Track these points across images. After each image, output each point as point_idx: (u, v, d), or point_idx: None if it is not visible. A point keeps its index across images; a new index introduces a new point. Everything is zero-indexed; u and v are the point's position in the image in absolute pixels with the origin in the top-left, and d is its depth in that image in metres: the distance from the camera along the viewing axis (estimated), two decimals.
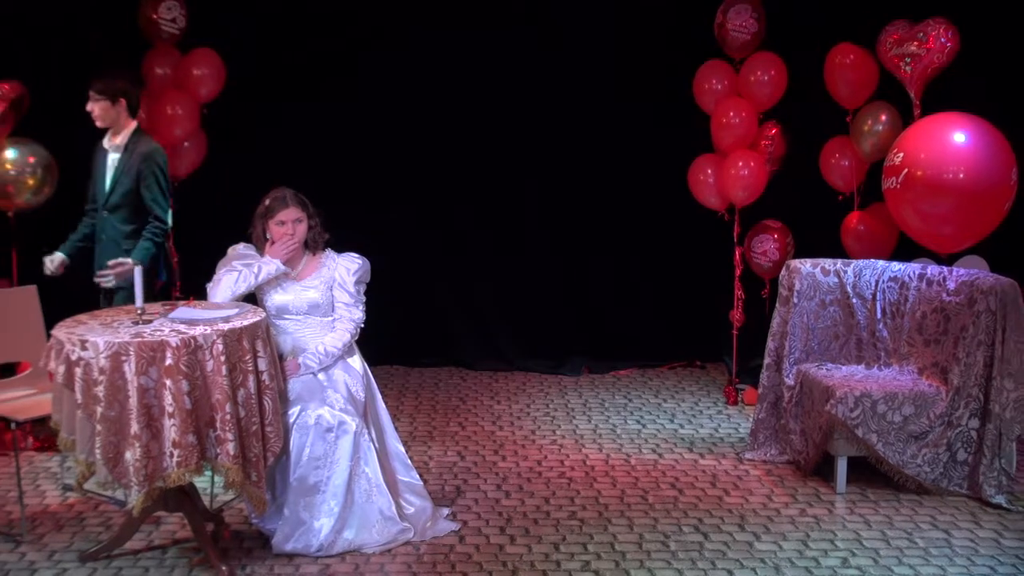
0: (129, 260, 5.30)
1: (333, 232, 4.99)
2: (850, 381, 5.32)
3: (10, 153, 5.84)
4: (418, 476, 4.95)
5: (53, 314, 4.83)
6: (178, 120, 6.62)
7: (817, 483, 5.40)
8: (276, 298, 4.81)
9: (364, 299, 4.95)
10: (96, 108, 5.41)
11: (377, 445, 4.69)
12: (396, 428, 5.06)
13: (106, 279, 5.37)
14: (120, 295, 5.42)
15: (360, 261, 4.93)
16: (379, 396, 4.97)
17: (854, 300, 5.68)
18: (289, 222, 4.80)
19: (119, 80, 5.45)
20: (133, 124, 5.52)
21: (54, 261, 5.52)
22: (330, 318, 4.86)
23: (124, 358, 4.04)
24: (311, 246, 4.90)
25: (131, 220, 5.45)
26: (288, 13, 7.27)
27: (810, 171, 6.69)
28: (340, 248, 4.99)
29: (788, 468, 5.61)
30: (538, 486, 5.36)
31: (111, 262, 5.35)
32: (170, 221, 5.62)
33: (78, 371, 4.08)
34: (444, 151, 7.56)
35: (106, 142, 5.51)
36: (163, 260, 5.70)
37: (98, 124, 5.46)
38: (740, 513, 5.02)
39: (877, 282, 5.65)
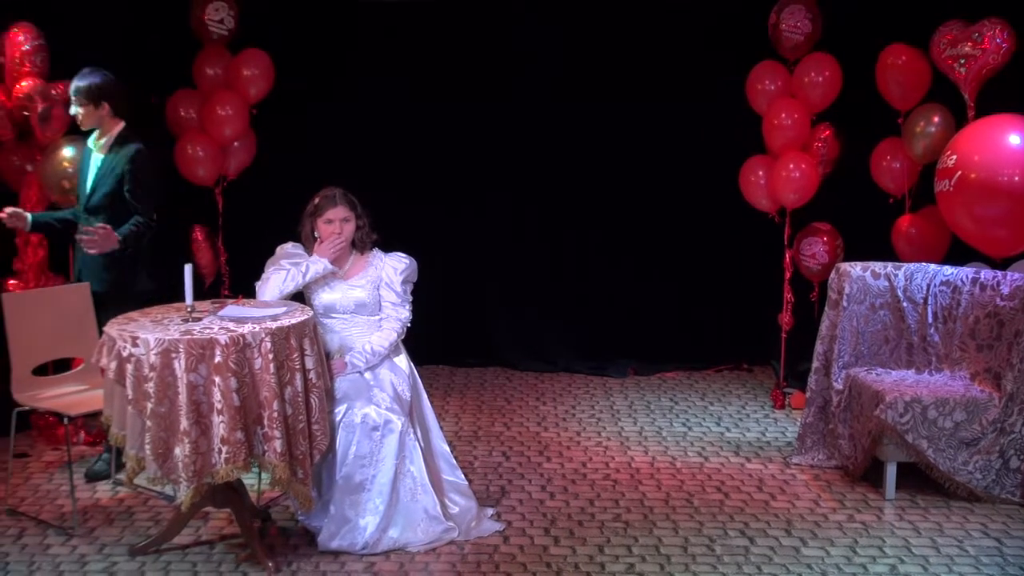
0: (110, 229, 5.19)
1: (380, 231, 5.02)
2: (900, 386, 5.26)
3: (68, 151, 5.92)
4: (463, 476, 4.95)
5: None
6: (228, 120, 6.70)
7: (865, 489, 5.34)
8: (323, 297, 4.84)
9: (411, 299, 4.97)
10: (80, 112, 5.34)
11: (422, 444, 4.70)
12: (441, 428, 5.07)
13: (89, 244, 5.18)
14: (85, 272, 5.39)
15: (407, 261, 4.95)
16: (425, 395, 4.99)
17: (905, 304, 5.60)
18: (337, 221, 4.83)
19: (102, 83, 5.32)
20: (120, 126, 5.41)
21: (17, 214, 5.39)
22: (377, 317, 4.89)
23: (174, 355, 4.09)
24: (359, 246, 4.93)
25: (112, 223, 5.25)
26: (335, 12, 7.32)
27: (861, 173, 6.61)
28: (388, 247, 5.02)
29: (836, 473, 5.55)
30: (583, 488, 5.35)
31: (96, 226, 5.17)
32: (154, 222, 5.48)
33: (129, 367, 4.14)
34: (494, 150, 7.57)
35: (91, 142, 5.45)
36: (146, 266, 5.53)
37: (82, 128, 5.42)
38: (787, 518, 4.98)
39: (928, 286, 5.58)
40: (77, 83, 5.32)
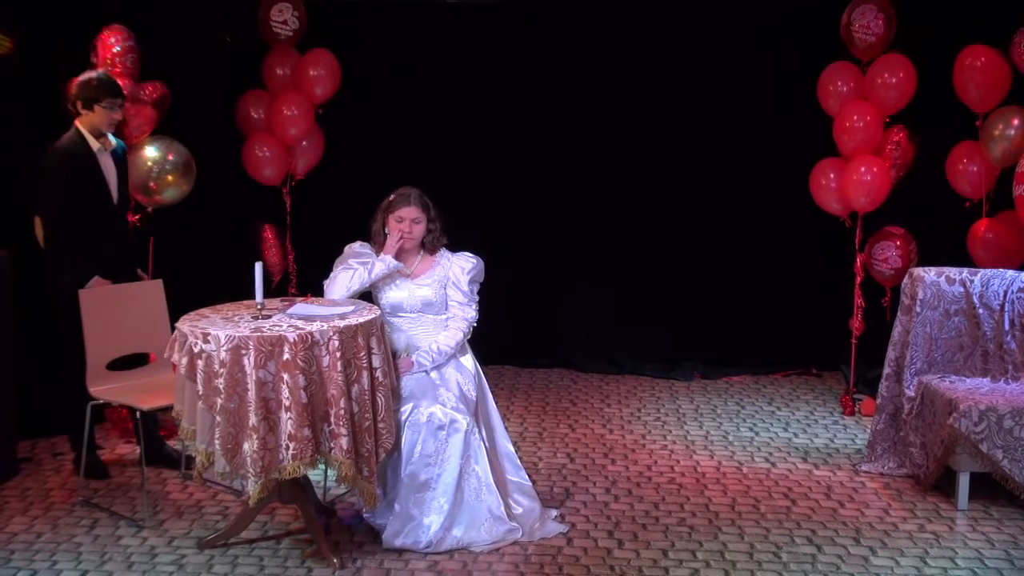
0: None
1: (448, 234, 5.04)
2: (975, 394, 5.14)
3: (151, 151, 6.03)
4: (527, 477, 4.95)
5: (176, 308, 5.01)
6: (293, 120, 6.77)
7: (937, 498, 5.23)
8: (391, 295, 4.87)
9: (477, 298, 4.98)
10: (121, 115, 5.40)
11: (487, 444, 4.71)
12: (506, 428, 5.08)
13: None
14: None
15: (474, 260, 4.96)
16: (490, 396, 5.00)
17: (980, 311, 5.48)
18: (408, 220, 4.86)
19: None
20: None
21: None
22: (444, 316, 4.91)
23: (244, 352, 4.14)
24: (428, 247, 4.96)
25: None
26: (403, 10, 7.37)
27: (936, 176, 6.47)
28: (456, 249, 5.04)
29: (907, 482, 5.45)
30: (647, 491, 5.31)
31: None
32: None
33: (200, 363, 4.20)
34: (563, 152, 7.57)
35: (94, 145, 5.32)
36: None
37: (111, 130, 5.39)
38: (855, 526, 4.90)
39: (1006, 292, 5.45)
40: (120, 87, 5.39)
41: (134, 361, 5.37)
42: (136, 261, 5.73)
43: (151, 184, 6.03)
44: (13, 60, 5.86)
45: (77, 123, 5.32)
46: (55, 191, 5.25)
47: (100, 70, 5.47)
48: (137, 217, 6.07)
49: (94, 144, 5.34)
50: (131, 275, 5.52)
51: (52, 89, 5.65)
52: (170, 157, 6.08)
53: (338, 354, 4.23)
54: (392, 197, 4.92)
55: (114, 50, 5.89)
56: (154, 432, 5.54)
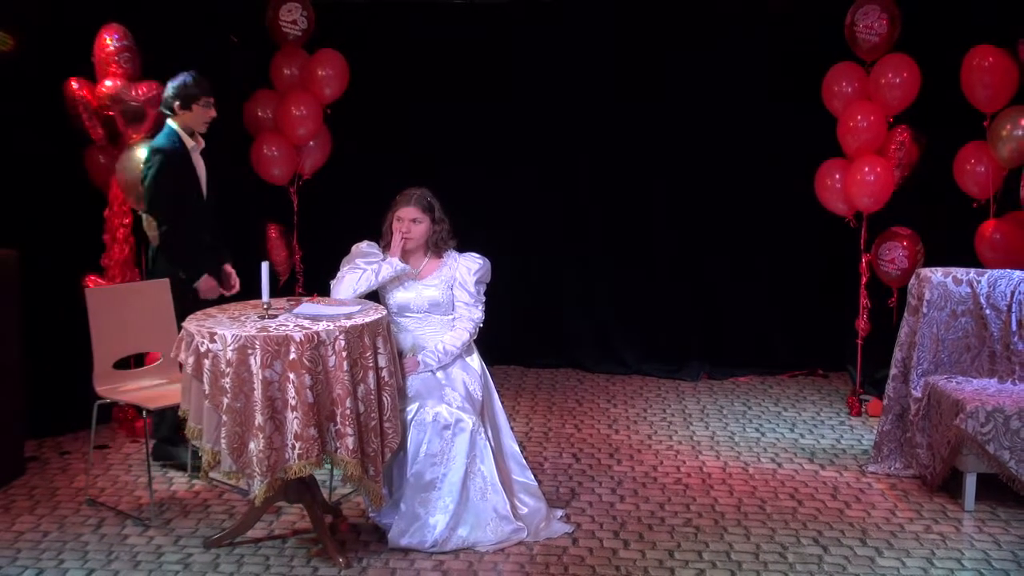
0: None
1: (455, 234, 5.04)
2: (981, 395, 5.13)
3: (142, 152, 6.01)
4: (533, 476, 4.95)
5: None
6: (302, 120, 6.78)
7: (944, 499, 5.22)
8: (398, 296, 4.88)
9: (484, 299, 4.99)
10: (214, 112, 5.52)
11: (493, 444, 4.71)
12: (512, 428, 5.08)
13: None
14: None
15: (481, 261, 4.97)
16: (496, 395, 5.00)
17: (988, 311, 5.47)
18: (407, 220, 4.87)
19: None
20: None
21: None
22: (450, 317, 4.91)
23: (250, 351, 4.15)
24: (434, 248, 4.96)
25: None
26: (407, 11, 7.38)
27: (943, 177, 6.46)
28: (463, 247, 5.04)
29: (913, 483, 5.44)
30: (653, 491, 5.31)
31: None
32: None
33: (206, 363, 4.21)
34: (571, 153, 7.57)
35: (189, 143, 5.49)
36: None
37: (204, 129, 5.52)
38: (862, 527, 4.89)
39: (1013, 293, 5.43)
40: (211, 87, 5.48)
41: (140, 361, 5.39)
42: (224, 257, 5.78)
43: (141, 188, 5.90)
44: (14, 58, 5.87)
45: (171, 122, 5.47)
46: (163, 189, 5.41)
47: (192, 71, 5.51)
48: (129, 220, 6.06)
49: (189, 142, 5.49)
50: (218, 271, 5.68)
51: (53, 88, 5.67)
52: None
53: (344, 354, 4.23)
54: (397, 197, 4.94)
55: (107, 49, 5.88)
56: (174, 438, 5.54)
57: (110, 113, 5.91)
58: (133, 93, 5.93)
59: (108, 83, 5.88)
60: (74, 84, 5.88)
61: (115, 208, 6.02)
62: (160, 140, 5.46)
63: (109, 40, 5.90)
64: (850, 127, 6.53)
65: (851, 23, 6.52)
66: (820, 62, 6.72)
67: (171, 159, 5.41)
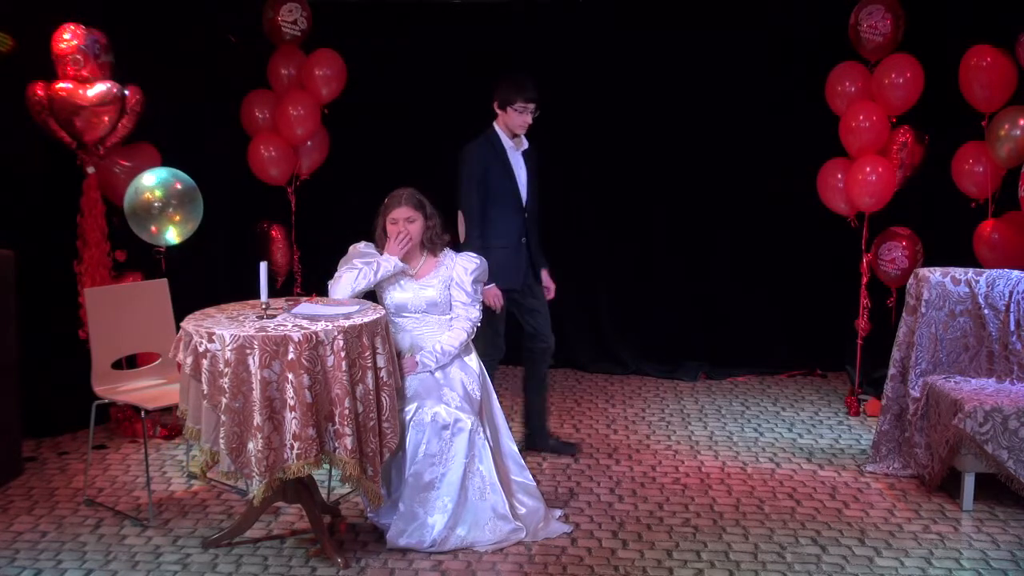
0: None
1: (453, 232, 5.05)
2: (980, 395, 5.13)
3: (150, 179, 5.78)
4: (531, 477, 4.95)
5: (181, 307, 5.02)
6: (300, 120, 6.78)
7: (942, 499, 5.22)
8: (395, 296, 4.87)
9: (481, 299, 4.99)
10: (531, 118, 5.55)
11: (492, 444, 4.71)
12: (511, 428, 5.08)
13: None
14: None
15: (478, 261, 4.97)
16: (495, 395, 5.00)
17: (986, 311, 5.47)
18: (401, 220, 4.86)
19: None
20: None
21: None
22: (448, 317, 4.91)
23: (249, 351, 4.14)
24: (429, 246, 4.95)
25: (537, 222, 5.72)
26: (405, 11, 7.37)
27: (942, 177, 6.46)
28: (462, 248, 5.04)
29: (912, 482, 5.44)
30: (652, 491, 5.31)
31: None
32: None
33: (205, 363, 4.20)
34: (568, 152, 7.54)
35: (507, 144, 5.59)
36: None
37: (522, 131, 5.57)
38: (860, 527, 4.89)
39: (1011, 293, 5.44)
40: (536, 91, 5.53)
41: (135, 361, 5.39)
42: (541, 265, 5.82)
43: (152, 227, 5.80)
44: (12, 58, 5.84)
45: (495, 123, 5.58)
46: (469, 187, 5.48)
47: (523, 74, 5.58)
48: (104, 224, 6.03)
49: (507, 142, 5.55)
50: (537, 276, 5.74)
51: (15, 88, 5.66)
52: (177, 186, 5.81)
53: (343, 354, 4.23)
54: (386, 200, 4.93)
55: (60, 46, 5.72)
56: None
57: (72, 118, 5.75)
58: (81, 94, 5.74)
59: (63, 85, 5.74)
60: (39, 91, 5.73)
61: (86, 213, 5.95)
62: (479, 138, 5.56)
63: (68, 37, 5.72)
64: (853, 127, 6.53)
65: (855, 23, 6.52)
66: (823, 62, 6.72)
67: (479, 157, 5.49)
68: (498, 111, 5.59)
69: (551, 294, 5.91)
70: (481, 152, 5.55)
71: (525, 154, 5.68)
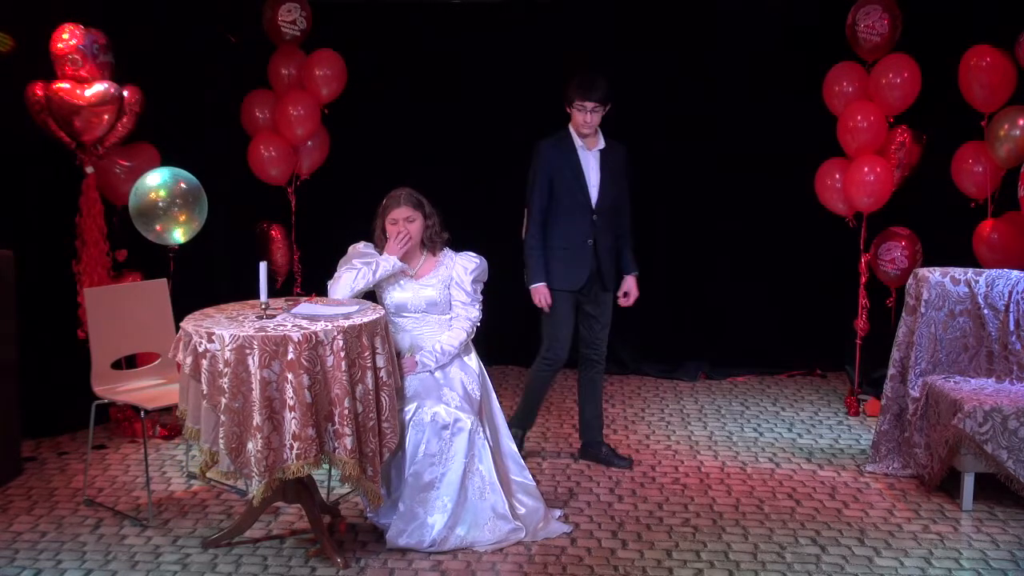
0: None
1: (453, 232, 5.04)
2: (979, 395, 5.13)
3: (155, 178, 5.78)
4: (531, 476, 4.95)
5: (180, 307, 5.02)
6: (300, 120, 6.78)
7: (942, 499, 5.22)
8: (395, 296, 4.87)
9: (481, 298, 4.99)
10: (598, 118, 5.41)
11: (491, 444, 4.71)
12: (510, 428, 5.07)
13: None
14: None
15: (478, 260, 4.97)
16: (494, 395, 5.00)
17: (986, 311, 5.47)
18: (400, 220, 4.86)
19: (608, 88, 5.44)
20: None
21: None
22: (448, 316, 4.91)
23: (248, 351, 4.14)
24: (429, 245, 4.95)
25: (621, 225, 5.65)
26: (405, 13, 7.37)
27: (941, 177, 6.46)
28: (460, 248, 5.03)
29: (911, 482, 5.44)
30: (651, 491, 5.31)
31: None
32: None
33: (204, 363, 4.20)
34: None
35: (577, 143, 5.44)
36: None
37: (586, 131, 5.41)
38: (860, 527, 4.89)
39: (1011, 293, 5.44)
40: (598, 91, 5.38)
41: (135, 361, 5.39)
42: (625, 270, 5.73)
43: (158, 227, 5.80)
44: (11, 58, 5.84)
45: (570, 123, 5.48)
46: (533, 186, 5.44)
47: (590, 71, 5.49)
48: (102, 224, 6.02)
49: (578, 142, 5.46)
50: (604, 284, 5.60)
51: (14, 88, 5.66)
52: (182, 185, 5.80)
53: (342, 354, 4.23)
54: (385, 200, 4.93)
55: (58, 46, 5.72)
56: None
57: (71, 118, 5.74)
58: (79, 94, 5.73)
59: (61, 85, 5.73)
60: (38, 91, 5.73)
61: (84, 213, 5.95)
62: (552, 138, 5.49)
63: (67, 37, 5.72)
64: (850, 127, 6.53)
65: (852, 23, 6.52)
66: (821, 62, 6.72)
67: (546, 155, 5.42)
68: (567, 110, 5.47)
69: (629, 300, 5.76)
70: (549, 151, 5.43)
71: (602, 153, 5.51)
